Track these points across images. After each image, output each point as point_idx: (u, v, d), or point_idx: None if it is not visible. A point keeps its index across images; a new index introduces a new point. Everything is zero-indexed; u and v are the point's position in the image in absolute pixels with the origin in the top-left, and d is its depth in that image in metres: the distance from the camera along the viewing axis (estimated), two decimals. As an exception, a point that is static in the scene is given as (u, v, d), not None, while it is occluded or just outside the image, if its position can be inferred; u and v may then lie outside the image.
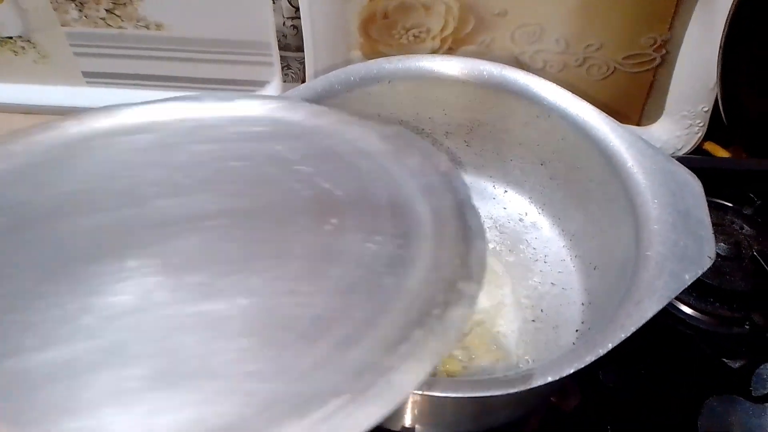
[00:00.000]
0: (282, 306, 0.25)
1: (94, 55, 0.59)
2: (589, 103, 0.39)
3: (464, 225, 0.28)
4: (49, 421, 0.21)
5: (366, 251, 0.27)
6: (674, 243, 0.31)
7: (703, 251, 0.31)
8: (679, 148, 0.57)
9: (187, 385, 0.22)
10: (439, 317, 0.24)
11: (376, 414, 0.21)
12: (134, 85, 0.61)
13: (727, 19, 0.47)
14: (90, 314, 0.24)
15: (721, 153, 0.58)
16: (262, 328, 0.24)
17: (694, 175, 0.34)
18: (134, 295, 0.24)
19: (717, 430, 0.38)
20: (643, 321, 0.28)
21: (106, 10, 0.56)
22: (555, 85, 0.42)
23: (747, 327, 0.42)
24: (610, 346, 0.28)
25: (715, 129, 0.56)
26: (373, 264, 0.26)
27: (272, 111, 0.33)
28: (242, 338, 0.23)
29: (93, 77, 0.61)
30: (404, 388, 0.22)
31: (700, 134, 0.57)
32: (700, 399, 0.40)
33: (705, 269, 0.30)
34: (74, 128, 0.33)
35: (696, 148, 0.57)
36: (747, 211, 0.47)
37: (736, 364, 0.42)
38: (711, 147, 0.58)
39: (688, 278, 0.30)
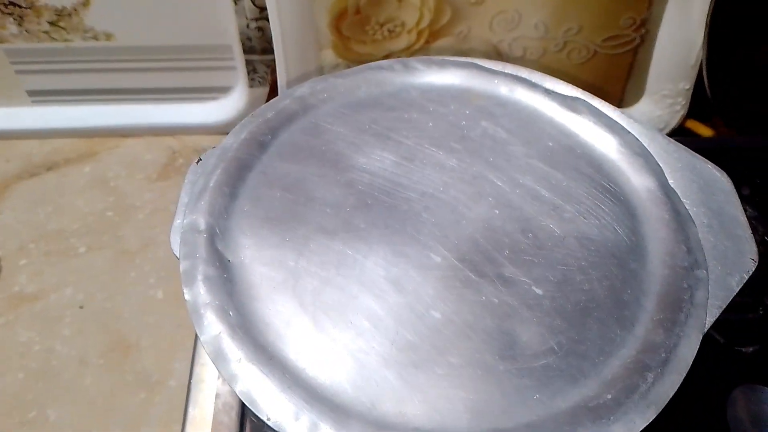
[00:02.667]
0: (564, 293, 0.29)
1: (38, 71, 0.54)
2: (602, 100, 0.37)
3: (674, 209, 0.31)
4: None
5: (608, 237, 0.30)
6: (713, 246, 0.30)
7: (743, 252, 0.30)
8: (661, 127, 0.57)
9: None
10: (690, 301, 0.28)
11: (675, 383, 0.26)
12: (87, 100, 0.56)
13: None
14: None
15: (703, 130, 0.57)
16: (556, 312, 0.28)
17: (721, 170, 0.32)
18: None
19: (746, 423, 0.38)
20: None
21: (49, 23, 0.51)
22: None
23: (761, 312, 0.42)
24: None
25: (694, 106, 0.56)
26: (616, 250, 0.30)
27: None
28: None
29: (39, 95, 0.55)
30: (687, 361, 0.27)
31: (682, 113, 0.56)
32: (720, 391, 0.39)
33: (751, 273, 0.29)
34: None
35: (678, 128, 0.56)
36: (745, 192, 0.46)
37: (750, 350, 0.41)
38: (693, 125, 0.57)
39: (735, 284, 0.29)
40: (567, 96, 0.35)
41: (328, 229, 0.30)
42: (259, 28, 0.52)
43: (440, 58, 0.36)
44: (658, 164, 0.33)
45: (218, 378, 0.37)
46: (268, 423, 0.24)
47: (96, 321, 0.44)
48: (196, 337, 0.40)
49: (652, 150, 0.34)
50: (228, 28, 0.52)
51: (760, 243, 0.42)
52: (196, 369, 0.38)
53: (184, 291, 0.27)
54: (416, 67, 0.36)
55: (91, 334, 0.44)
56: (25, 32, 0.51)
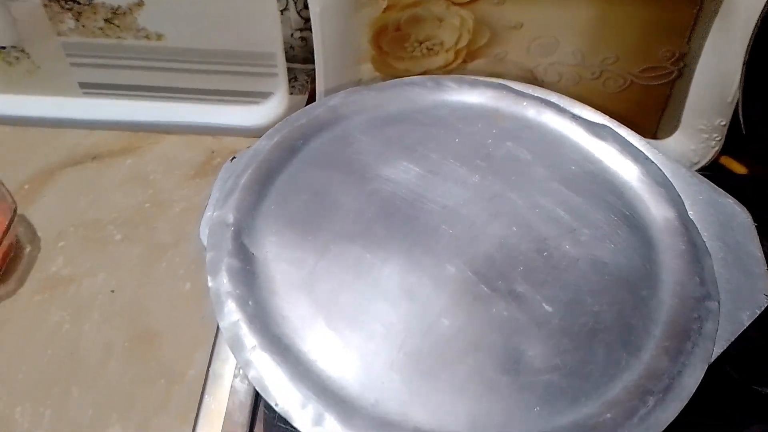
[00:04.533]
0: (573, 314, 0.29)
1: (91, 65, 0.56)
2: (629, 129, 0.37)
3: (691, 240, 0.32)
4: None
5: (622, 263, 0.31)
6: (727, 280, 0.30)
7: (757, 287, 0.30)
8: (695, 162, 0.56)
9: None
10: (698, 332, 0.29)
11: (676, 410, 0.26)
12: (133, 96, 0.58)
13: (753, 30, 0.46)
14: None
15: (737, 167, 0.57)
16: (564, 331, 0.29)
17: (742, 206, 0.33)
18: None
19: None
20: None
21: (104, 20, 0.53)
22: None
23: (777, 351, 0.41)
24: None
25: (731, 143, 0.55)
26: (630, 276, 0.31)
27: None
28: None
29: (90, 88, 0.58)
30: (690, 390, 0.27)
31: (716, 148, 0.56)
32: (735, 429, 0.38)
33: (762, 309, 0.29)
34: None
35: (712, 163, 0.56)
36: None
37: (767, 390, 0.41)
38: (726, 161, 0.57)
39: (746, 319, 0.29)
40: (594, 122, 0.36)
41: (349, 234, 0.31)
42: (303, 38, 0.53)
43: (472, 77, 0.37)
44: (679, 195, 0.33)
45: (234, 376, 0.38)
46: (276, 409, 0.25)
47: (125, 308, 0.46)
48: (217, 332, 0.41)
49: (675, 182, 0.34)
50: (273, 37, 0.53)
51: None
52: (215, 363, 0.39)
53: (209, 279, 0.28)
54: (448, 85, 0.37)
55: (118, 321, 0.45)
56: (81, 27, 0.53)
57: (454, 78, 0.37)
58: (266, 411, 0.38)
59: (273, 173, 0.33)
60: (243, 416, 0.37)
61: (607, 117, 0.37)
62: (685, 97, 0.55)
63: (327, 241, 0.31)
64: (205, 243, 0.30)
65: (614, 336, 0.28)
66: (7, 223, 0.44)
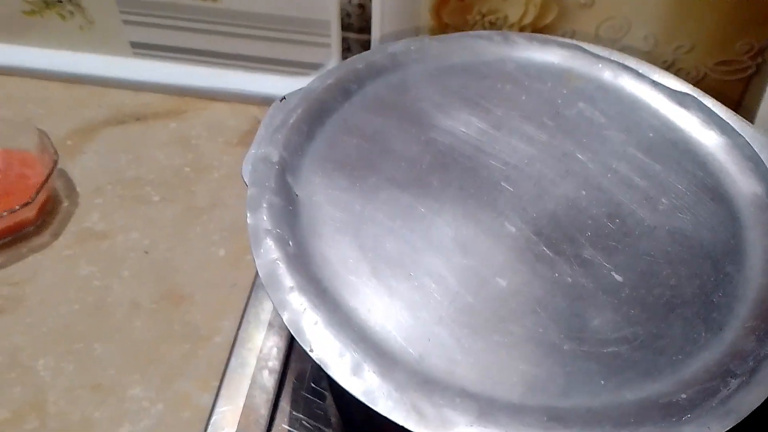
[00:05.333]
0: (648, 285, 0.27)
1: (143, 24, 0.55)
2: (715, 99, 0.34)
3: None
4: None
5: (704, 236, 0.28)
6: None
7: None
8: None
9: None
10: None
11: (762, 395, 0.23)
12: (183, 59, 0.57)
13: None
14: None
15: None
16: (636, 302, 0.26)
17: None
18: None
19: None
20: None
21: (161, -23, 0.52)
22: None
23: None
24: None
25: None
26: (713, 250, 0.28)
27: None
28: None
29: (141, 48, 0.57)
30: None
31: (793, 152, 0.52)
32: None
33: None
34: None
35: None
36: None
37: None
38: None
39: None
40: (676, 90, 0.33)
41: (400, 182, 0.28)
42: (360, 5, 0.51)
43: (543, 35, 0.35)
44: (767, 169, 0.30)
45: (262, 340, 0.36)
46: (311, 355, 0.22)
47: (155, 268, 0.44)
48: (248, 301, 0.39)
49: (764, 156, 0.31)
50: (329, 3, 0.52)
51: None
52: (246, 326, 0.38)
53: (248, 215, 0.26)
54: (516, 41, 0.34)
55: (148, 280, 0.44)
56: (138, -18, 0.52)
57: (525, 35, 0.35)
58: (295, 381, 0.36)
59: (324, 115, 0.30)
60: (270, 382, 0.35)
61: (691, 86, 0.33)
62: (762, 95, 0.51)
63: (376, 186, 0.28)
64: (246, 179, 0.27)
65: (693, 311, 0.25)
66: (47, 174, 0.43)
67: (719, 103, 0.33)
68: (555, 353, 0.24)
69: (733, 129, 0.32)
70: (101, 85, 0.57)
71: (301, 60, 0.56)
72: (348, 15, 0.52)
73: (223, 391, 0.35)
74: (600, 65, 0.34)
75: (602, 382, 0.23)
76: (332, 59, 0.55)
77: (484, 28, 0.51)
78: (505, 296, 0.25)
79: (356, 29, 0.53)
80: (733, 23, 0.49)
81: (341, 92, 0.31)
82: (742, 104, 0.53)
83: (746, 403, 0.22)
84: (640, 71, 0.34)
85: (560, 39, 0.35)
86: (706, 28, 0.50)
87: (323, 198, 0.27)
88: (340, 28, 0.53)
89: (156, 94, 0.57)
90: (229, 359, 0.37)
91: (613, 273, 0.26)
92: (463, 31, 0.51)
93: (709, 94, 0.53)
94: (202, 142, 0.54)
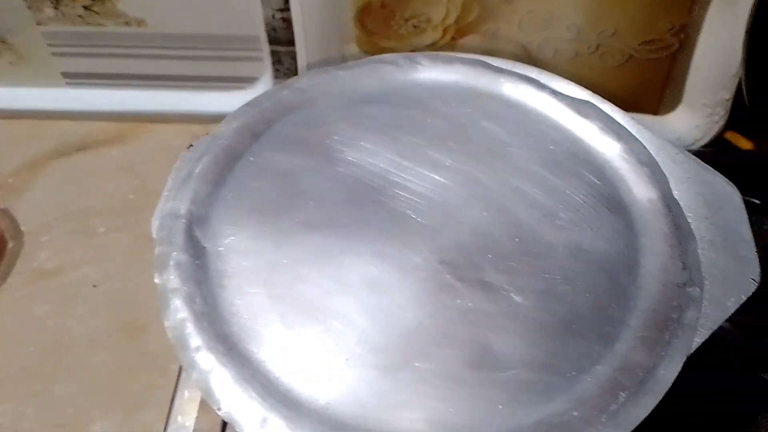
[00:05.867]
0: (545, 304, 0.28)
1: (73, 54, 0.55)
2: (613, 105, 0.35)
3: (674, 222, 0.30)
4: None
5: (600, 248, 0.29)
6: (713, 263, 0.28)
7: (746, 272, 0.28)
8: (699, 138, 0.54)
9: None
10: (678, 321, 0.27)
11: (649, 405, 0.24)
12: (118, 85, 0.57)
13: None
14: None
15: (744, 143, 0.54)
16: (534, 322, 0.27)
17: (733, 185, 0.30)
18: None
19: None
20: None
21: (84, 7, 0.52)
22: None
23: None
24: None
25: (736, 118, 0.53)
26: (609, 262, 0.29)
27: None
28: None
29: (73, 78, 0.57)
30: (666, 383, 0.25)
31: (720, 123, 0.53)
32: (743, 417, 0.36)
33: (749, 294, 0.27)
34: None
35: (716, 139, 0.54)
36: (775, 209, 0.44)
37: (771, 376, 0.39)
38: (732, 137, 0.54)
39: (731, 305, 0.27)
40: (575, 99, 0.34)
41: (310, 223, 0.29)
42: (284, 19, 0.52)
43: (448, 54, 0.35)
44: (664, 174, 0.31)
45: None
46: (219, 414, 0.23)
47: (110, 301, 0.45)
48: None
49: (660, 159, 0.32)
50: (254, 19, 0.52)
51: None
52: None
53: (155, 275, 0.27)
54: (421, 63, 0.35)
55: (103, 314, 0.44)
56: (60, 15, 0.52)
57: (429, 55, 0.35)
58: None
59: (232, 160, 0.31)
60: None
61: (591, 92, 0.34)
62: (687, 71, 0.52)
63: (286, 230, 0.29)
64: (155, 237, 0.28)
65: (589, 327, 0.27)
66: (-12, 219, 0.43)
67: (617, 108, 0.34)
68: (458, 385, 0.25)
69: (629, 134, 0.33)
70: (38, 118, 0.57)
71: (237, 75, 0.57)
72: (274, 29, 0.52)
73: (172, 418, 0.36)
74: (501, 80, 0.34)
75: (500, 407, 0.24)
76: (266, 72, 0.56)
77: (408, 33, 0.52)
78: (411, 331, 0.26)
79: (284, 42, 0.53)
80: (653, 4, 0.50)
81: (249, 134, 0.32)
82: (669, 81, 0.55)
83: (634, 416, 0.24)
84: (542, 81, 0.35)
85: (463, 56, 0.36)
86: (627, 12, 0.50)
87: (233, 248, 0.28)
88: (267, 42, 0.53)
89: (96, 122, 0.57)
90: (176, 386, 0.38)
91: (512, 295, 0.27)
92: (388, 37, 0.52)
93: (637, 72, 0.54)
94: (146, 167, 0.54)
